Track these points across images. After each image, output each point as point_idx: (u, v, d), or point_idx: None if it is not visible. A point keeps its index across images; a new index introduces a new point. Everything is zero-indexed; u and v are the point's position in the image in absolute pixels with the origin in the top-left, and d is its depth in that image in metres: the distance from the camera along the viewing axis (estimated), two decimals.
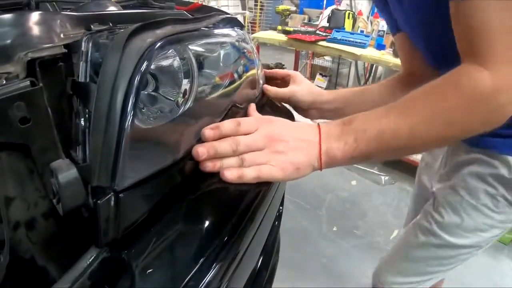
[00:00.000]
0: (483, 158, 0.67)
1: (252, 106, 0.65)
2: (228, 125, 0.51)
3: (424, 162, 0.95)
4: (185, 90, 0.53)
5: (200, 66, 0.59)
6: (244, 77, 0.71)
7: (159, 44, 0.42)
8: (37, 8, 0.93)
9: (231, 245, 0.43)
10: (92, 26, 0.51)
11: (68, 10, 0.83)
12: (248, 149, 0.50)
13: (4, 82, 0.35)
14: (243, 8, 7.13)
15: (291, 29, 2.94)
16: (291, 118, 0.84)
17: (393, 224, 2.02)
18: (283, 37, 2.85)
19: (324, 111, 0.83)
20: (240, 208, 0.48)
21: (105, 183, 0.37)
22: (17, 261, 0.39)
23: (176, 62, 0.51)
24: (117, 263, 0.38)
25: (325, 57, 3.99)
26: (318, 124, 0.53)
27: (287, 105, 0.87)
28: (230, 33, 0.73)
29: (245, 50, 0.76)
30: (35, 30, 0.45)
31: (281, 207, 0.97)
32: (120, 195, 0.38)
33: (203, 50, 0.63)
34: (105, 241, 0.39)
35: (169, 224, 0.42)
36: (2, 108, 0.32)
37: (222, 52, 0.67)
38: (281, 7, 3.28)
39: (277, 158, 0.49)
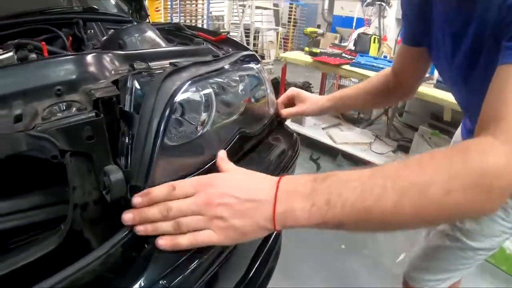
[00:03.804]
0: None
1: (220, 155, 0.60)
2: (159, 190, 0.51)
3: None
4: (204, 118, 0.69)
5: (218, 98, 0.75)
6: (251, 108, 0.87)
7: (184, 87, 0.59)
8: (84, 26, 1.13)
9: None
10: (135, 65, 0.68)
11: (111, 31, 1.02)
12: (182, 214, 0.48)
13: (76, 111, 0.53)
14: (277, 24, 7.34)
15: (318, 51, 3.08)
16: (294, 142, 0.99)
17: (401, 247, 2.07)
18: (309, 59, 3.01)
19: (329, 113, 1.06)
20: None
21: (140, 183, 0.54)
22: (70, 232, 0.55)
23: (199, 96, 0.68)
24: (143, 238, 0.54)
25: (351, 78, 4.10)
26: (280, 178, 0.49)
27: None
28: (245, 69, 0.89)
29: (257, 83, 0.92)
30: (92, 68, 0.63)
31: None
32: None
33: (221, 85, 0.79)
34: None
35: None
36: (77, 129, 0.50)
37: (236, 86, 0.83)
38: (309, 29, 3.43)
39: (216, 224, 0.47)
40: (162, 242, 0.49)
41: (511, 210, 0.83)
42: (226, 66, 0.80)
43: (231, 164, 0.57)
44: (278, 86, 3.25)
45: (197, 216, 0.48)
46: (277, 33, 6.90)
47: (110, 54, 0.70)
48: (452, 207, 0.42)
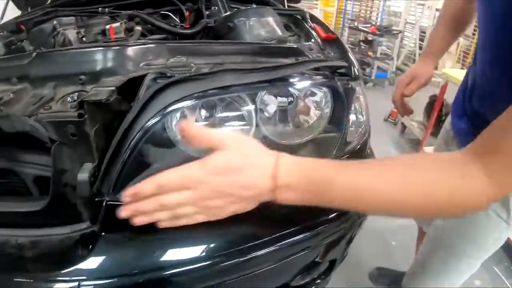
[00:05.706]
0: None
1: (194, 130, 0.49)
2: (146, 190, 0.46)
3: None
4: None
5: (263, 120, 0.66)
6: (316, 141, 0.71)
7: (174, 106, 0.56)
8: (208, 2, 1.12)
9: None
10: (171, 60, 0.66)
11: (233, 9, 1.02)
12: (177, 207, 0.47)
13: (70, 108, 0.56)
14: None
15: None
16: None
17: None
18: None
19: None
20: None
21: (104, 189, 0.56)
22: (65, 200, 0.60)
23: (203, 115, 0.63)
24: (96, 237, 0.58)
25: None
26: (276, 169, 0.45)
27: None
28: (323, 84, 0.71)
29: (337, 106, 0.72)
30: (123, 61, 0.64)
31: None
32: (109, 203, 0.56)
33: (268, 99, 0.68)
34: (95, 222, 0.59)
35: (136, 235, 0.58)
36: (62, 125, 0.54)
37: (300, 108, 0.70)
38: None
39: (212, 212, 0.47)
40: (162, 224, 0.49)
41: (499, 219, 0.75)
42: (295, 77, 0.66)
43: (217, 136, 0.47)
44: (433, 104, 2.82)
45: (191, 206, 0.47)
46: (458, 44, 5.91)
47: (150, 47, 0.69)
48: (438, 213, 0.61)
